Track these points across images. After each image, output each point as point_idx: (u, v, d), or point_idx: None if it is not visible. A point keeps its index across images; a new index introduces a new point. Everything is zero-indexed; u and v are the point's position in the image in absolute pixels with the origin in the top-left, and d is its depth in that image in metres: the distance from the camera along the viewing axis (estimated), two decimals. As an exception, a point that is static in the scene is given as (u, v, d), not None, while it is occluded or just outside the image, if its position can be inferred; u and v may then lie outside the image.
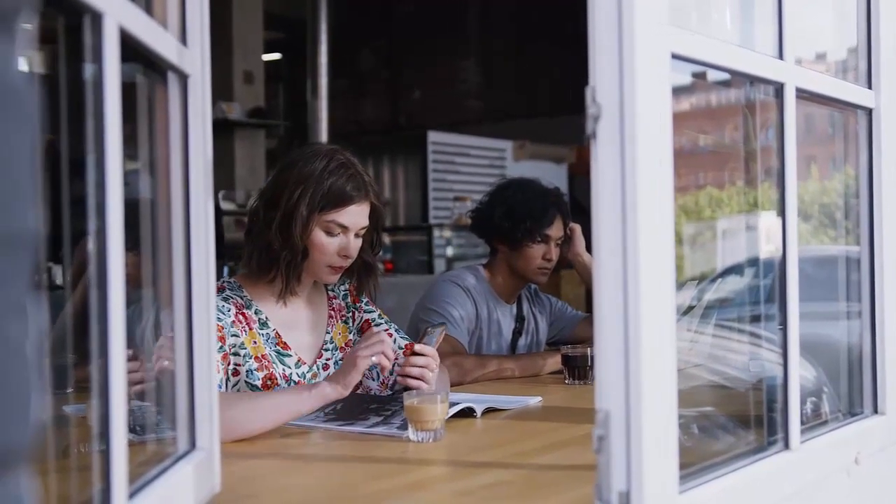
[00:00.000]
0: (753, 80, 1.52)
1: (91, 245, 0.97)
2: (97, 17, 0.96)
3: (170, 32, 1.25)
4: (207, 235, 1.34)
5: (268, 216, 2.14)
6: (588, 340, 2.90)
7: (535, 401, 2.29)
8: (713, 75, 1.49)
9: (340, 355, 2.30)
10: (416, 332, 2.86)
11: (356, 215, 2.17)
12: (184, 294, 1.32)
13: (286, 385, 2.15)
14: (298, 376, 2.19)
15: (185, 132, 1.32)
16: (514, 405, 2.21)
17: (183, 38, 1.31)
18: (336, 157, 2.16)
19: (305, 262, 2.17)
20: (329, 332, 2.31)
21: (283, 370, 2.16)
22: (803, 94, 1.52)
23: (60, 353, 1.30)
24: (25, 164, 0.55)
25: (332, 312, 2.34)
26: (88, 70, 0.98)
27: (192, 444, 1.32)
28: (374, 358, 1.94)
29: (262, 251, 2.15)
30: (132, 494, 1.05)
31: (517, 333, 3.06)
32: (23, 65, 0.56)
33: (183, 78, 1.30)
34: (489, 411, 2.12)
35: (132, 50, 1.08)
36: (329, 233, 2.15)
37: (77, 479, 1.18)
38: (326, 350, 2.29)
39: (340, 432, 1.93)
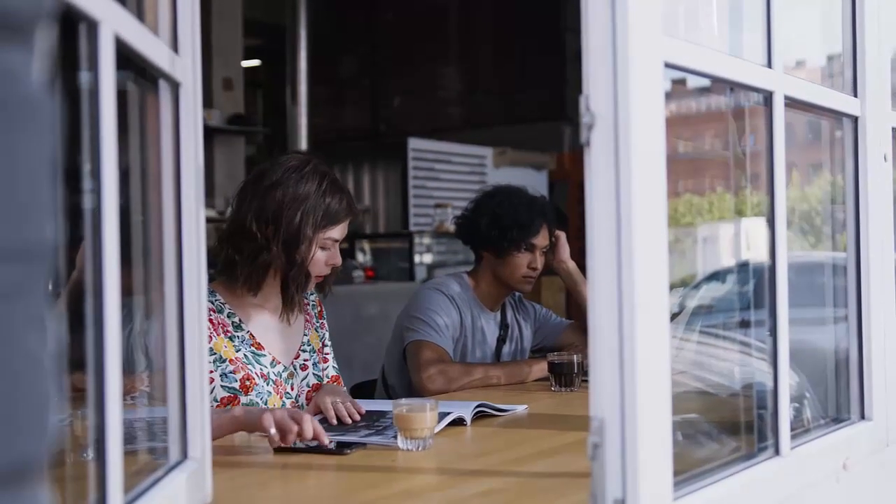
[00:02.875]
0: (743, 89, 1.53)
1: (87, 253, 0.96)
2: (93, 26, 0.95)
3: (161, 40, 1.25)
4: (199, 244, 1.33)
5: (264, 235, 2.17)
6: (572, 347, 2.90)
7: (521, 409, 2.29)
8: (691, 82, 1.50)
9: (317, 357, 2.37)
10: (401, 341, 2.86)
11: (345, 228, 2.27)
12: (175, 303, 1.31)
13: (265, 384, 2.19)
14: (276, 375, 2.24)
15: (177, 140, 1.31)
16: (503, 410, 2.21)
17: (175, 46, 1.30)
18: (326, 176, 2.24)
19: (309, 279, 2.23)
20: (307, 335, 2.37)
21: (260, 369, 2.20)
22: (791, 102, 1.53)
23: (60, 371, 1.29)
24: (44, 174, 0.54)
25: (308, 317, 2.40)
26: (83, 77, 0.97)
27: (184, 454, 1.31)
28: (272, 431, 1.78)
29: (261, 269, 2.19)
30: (126, 505, 1.04)
31: (501, 341, 3.05)
32: (40, 75, 0.56)
33: (175, 86, 1.30)
34: (479, 417, 2.12)
35: (124, 57, 1.08)
36: (324, 248, 2.23)
37: (68, 488, 1.17)
38: (304, 351, 2.35)
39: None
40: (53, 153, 0.57)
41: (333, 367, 2.44)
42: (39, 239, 0.55)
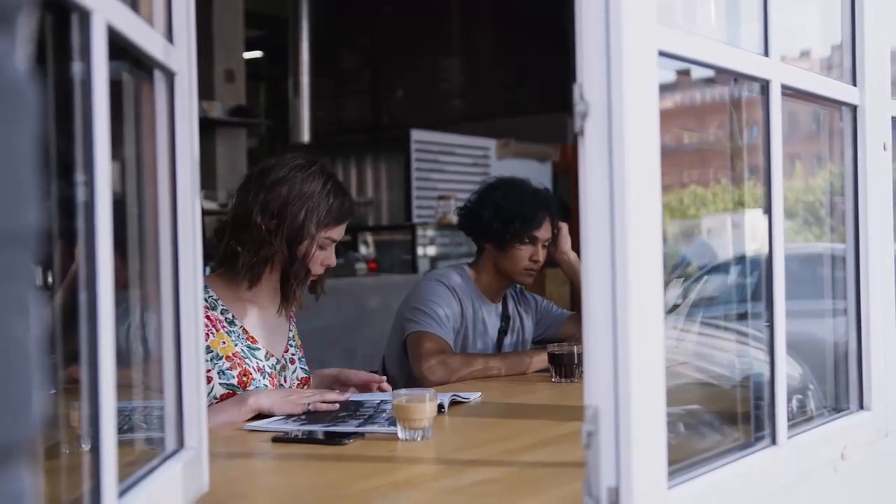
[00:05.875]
0: (739, 77, 1.52)
1: (80, 246, 0.96)
2: (85, 15, 0.95)
3: (156, 30, 1.25)
4: (195, 235, 1.33)
5: (267, 228, 2.19)
6: (574, 338, 2.90)
7: (476, 396, 2.31)
8: (696, 73, 1.50)
9: (301, 353, 2.41)
10: (401, 332, 2.86)
11: (343, 230, 2.31)
12: (171, 294, 1.32)
13: (261, 377, 2.22)
14: (270, 368, 2.27)
15: (172, 131, 1.31)
16: (465, 398, 2.25)
17: (169, 36, 1.30)
18: (330, 177, 2.27)
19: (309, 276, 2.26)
20: (291, 330, 2.41)
21: (257, 363, 2.23)
22: (789, 91, 1.53)
23: (45, 355, 1.29)
24: (27, 161, 0.55)
25: (291, 314, 2.43)
26: (76, 68, 0.97)
27: (181, 444, 1.32)
28: (310, 406, 2.08)
29: (262, 262, 2.21)
30: (121, 493, 1.05)
31: (503, 332, 3.06)
32: (23, 62, 0.56)
33: (170, 76, 1.30)
34: (453, 404, 2.16)
35: (118, 48, 1.08)
36: (322, 247, 2.26)
37: (63, 479, 1.17)
38: (291, 345, 2.39)
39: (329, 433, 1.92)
40: (37, 140, 0.58)
41: (303, 368, 2.44)
42: (23, 224, 0.56)
